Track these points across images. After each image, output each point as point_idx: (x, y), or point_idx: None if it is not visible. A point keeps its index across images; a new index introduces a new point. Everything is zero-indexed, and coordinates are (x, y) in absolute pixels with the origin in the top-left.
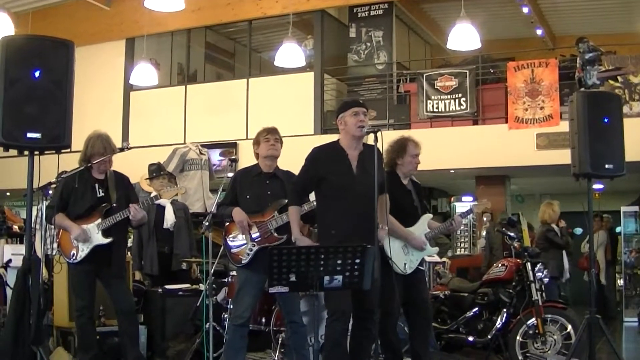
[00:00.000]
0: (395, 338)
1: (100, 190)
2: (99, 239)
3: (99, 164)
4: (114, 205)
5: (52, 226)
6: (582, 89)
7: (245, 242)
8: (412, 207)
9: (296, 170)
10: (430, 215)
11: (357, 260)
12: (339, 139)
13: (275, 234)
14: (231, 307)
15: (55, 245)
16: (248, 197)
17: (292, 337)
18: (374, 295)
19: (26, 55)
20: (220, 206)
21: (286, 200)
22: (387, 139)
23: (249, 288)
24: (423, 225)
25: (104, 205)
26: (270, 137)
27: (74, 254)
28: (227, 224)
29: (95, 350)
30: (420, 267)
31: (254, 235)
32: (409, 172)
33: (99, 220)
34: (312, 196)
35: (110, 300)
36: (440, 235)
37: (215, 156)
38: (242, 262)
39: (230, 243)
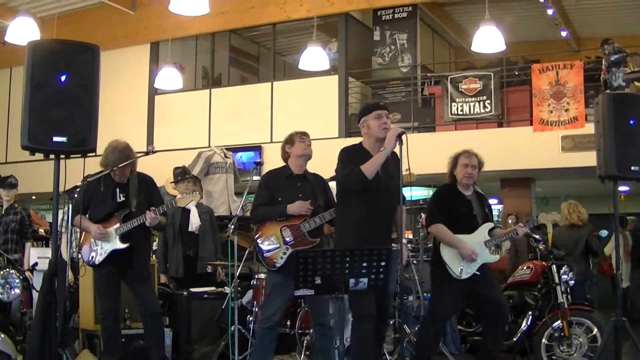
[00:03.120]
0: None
1: (121, 195)
2: (116, 243)
3: (114, 172)
4: (133, 210)
5: (77, 229)
6: (608, 91)
7: (278, 245)
8: (469, 216)
9: (320, 174)
10: (491, 225)
11: (382, 263)
12: (361, 142)
13: (309, 237)
14: (256, 309)
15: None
16: (280, 199)
17: (320, 340)
18: (390, 300)
19: (52, 59)
20: (258, 207)
21: (319, 204)
22: (411, 141)
23: (279, 291)
24: (482, 234)
25: (122, 210)
26: (305, 137)
27: (92, 257)
28: (259, 227)
29: (120, 354)
30: (476, 273)
31: (287, 239)
32: (464, 182)
33: (117, 225)
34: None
35: (135, 302)
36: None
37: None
38: (276, 265)
39: (262, 247)
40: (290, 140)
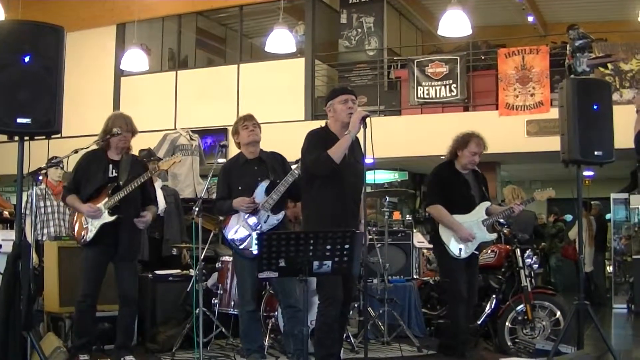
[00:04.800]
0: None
1: (114, 171)
2: (105, 217)
3: (117, 142)
4: (121, 184)
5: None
6: (572, 76)
7: (248, 233)
8: (467, 196)
9: (286, 156)
10: (489, 203)
11: (347, 246)
12: (327, 125)
13: (273, 215)
14: (221, 292)
15: (51, 230)
16: (240, 188)
17: (289, 322)
18: (354, 282)
19: (16, 40)
20: (218, 202)
21: (269, 181)
22: (377, 125)
23: (250, 273)
24: (479, 213)
25: (111, 184)
26: (248, 123)
27: (83, 235)
28: (223, 219)
29: (91, 336)
30: (475, 252)
31: (252, 223)
32: (465, 166)
33: (106, 199)
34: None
35: (113, 285)
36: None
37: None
38: (254, 253)
39: (234, 237)
40: (235, 131)
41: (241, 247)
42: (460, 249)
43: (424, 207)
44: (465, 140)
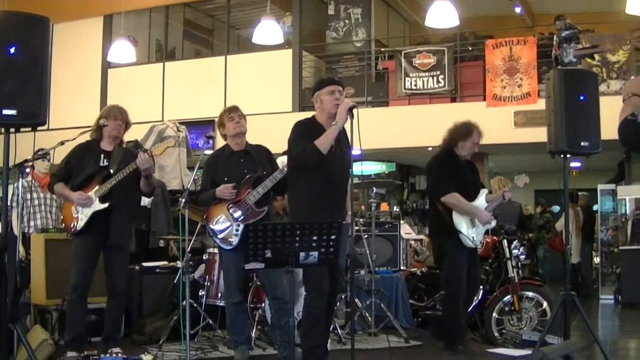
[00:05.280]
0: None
1: (105, 161)
2: (97, 205)
3: (111, 129)
4: (111, 172)
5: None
6: (559, 67)
7: (229, 224)
8: (472, 183)
9: (273, 148)
10: (486, 190)
11: (333, 237)
12: (314, 116)
13: (256, 209)
14: (208, 284)
15: (38, 222)
16: (226, 179)
17: (276, 314)
18: (341, 274)
19: (1, 31)
20: (200, 193)
21: (257, 174)
22: (365, 116)
23: (236, 265)
24: (482, 200)
25: (102, 172)
26: (233, 115)
27: (74, 225)
28: (207, 209)
29: (80, 330)
30: None
31: (236, 215)
32: (464, 156)
33: (97, 187)
34: (282, 160)
35: (102, 276)
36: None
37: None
38: (233, 244)
39: (215, 228)
40: (220, 123)
41: (220, 236)
42: (473, 237)
43: (435, 198)
44: (468, 131)
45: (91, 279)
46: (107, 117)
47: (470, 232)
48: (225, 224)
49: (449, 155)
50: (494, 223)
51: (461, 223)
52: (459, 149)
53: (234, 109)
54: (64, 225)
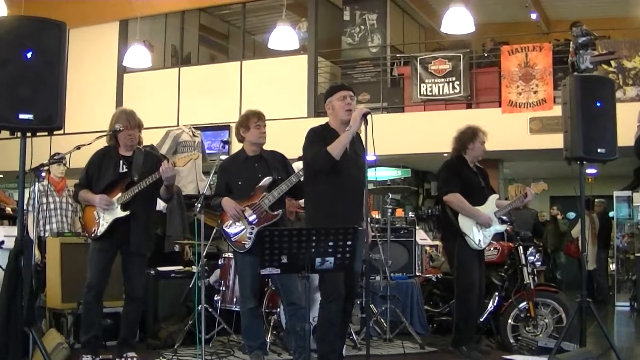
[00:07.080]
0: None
1: (124, 167)
2: (118, 212)
3: (124, 138)
4: (135, 179)
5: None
6: (575, 73)
7: (243, 227)
8: (480, 187)
9: (288, 154)
10: (497, 196)
11: (349, 242)
12: (328, 122)
13: (271, 212)
14: (223, 289)
15: (53, 226)
16: (240, 183)
17: (291, 320)
18: (357, 279)
19: (18, 36)
20: (213, 198)
21: (271, 178)
22: (380, 122)
23: (251, 270)
24: (491, 205)
25: (125, 180)
26: (261, 123)
27: (94, 230)
28: (221, 213)
29: (96, 331)
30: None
31: (250, 219)
32: (475, 158)
33: (120, 194)
34: (297, 166)
35: (119, 280)
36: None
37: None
38: (246, 247)
39: (228, 231)
40: (245, 124)
41: (234, 239)
42: (479, 240)
43: (439, 197)
44: (473, 132)
45: (106, 281)
46: (115, 125)
47: (477, 235)
48: (240, 227)
49: (457, 160)
50: (501, 228)
51: (467, 225)
52: (470, 151)
53: (262, 117)
54: (84, 229)
